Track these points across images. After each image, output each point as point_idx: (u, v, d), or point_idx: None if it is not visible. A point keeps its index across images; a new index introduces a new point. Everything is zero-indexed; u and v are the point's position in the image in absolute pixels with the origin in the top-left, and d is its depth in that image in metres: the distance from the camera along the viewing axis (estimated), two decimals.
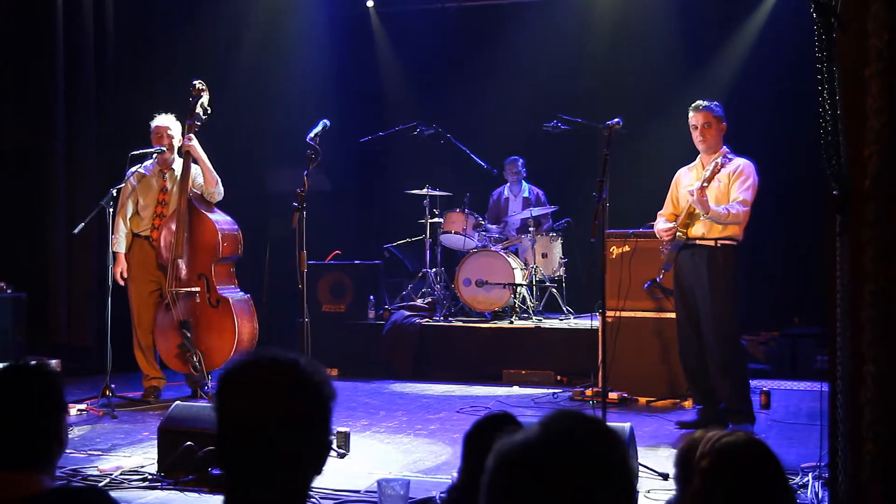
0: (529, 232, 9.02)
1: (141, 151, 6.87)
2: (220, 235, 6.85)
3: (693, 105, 6.09)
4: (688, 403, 6.75)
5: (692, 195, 5.84)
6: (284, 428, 1.72)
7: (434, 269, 9.18)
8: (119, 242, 6.90)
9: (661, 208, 6.34)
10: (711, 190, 5.90)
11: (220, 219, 6.96)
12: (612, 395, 6.79)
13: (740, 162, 5.98)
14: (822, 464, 4.40)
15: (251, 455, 1.72)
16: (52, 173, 8.23)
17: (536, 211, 9.16)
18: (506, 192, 9.76)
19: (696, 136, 6.07)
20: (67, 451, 5.17)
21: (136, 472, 4.82)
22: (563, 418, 1.44)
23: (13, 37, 8.16)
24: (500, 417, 2.17)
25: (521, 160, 9.65)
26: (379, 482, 4.01)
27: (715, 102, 6.10)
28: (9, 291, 7.50)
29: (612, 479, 1.38)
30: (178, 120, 7.02)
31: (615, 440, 1.44)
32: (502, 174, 9.73)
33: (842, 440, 3.17)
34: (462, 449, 2.13)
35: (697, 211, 5.91)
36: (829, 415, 3.31)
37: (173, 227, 6.82)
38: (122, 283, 6.90)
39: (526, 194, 9.61)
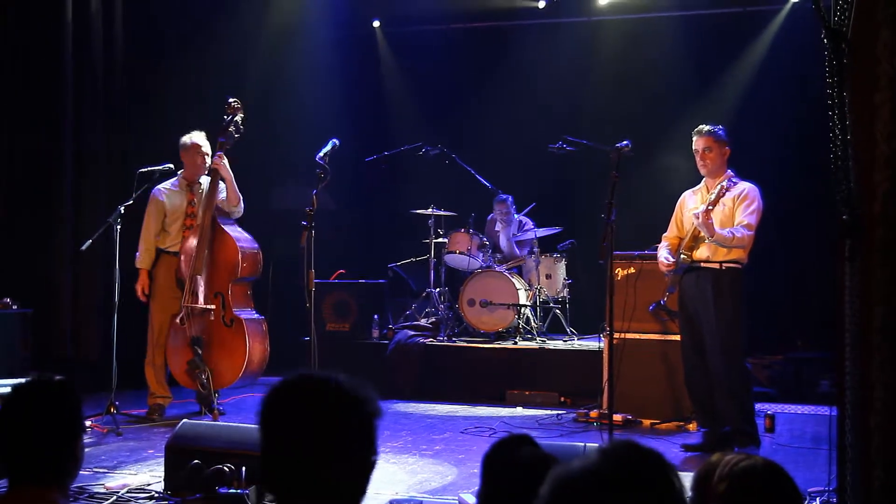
0: (534, 253, 9.04)
1: (149, 169, 6.88)
2: (240, 255, 6.83)
3: (695, 129, 6.13)
4: (692, 426, 6.74)
5: (697, 218, 5.85)
6: (326, 445, 1.74)
7: (438, 289, 9.19)
8: (142, 259, 6.89)
9: (665, 231, 6.36)
10: (716, 213, 5.91)
11: (241, 237, 6.94)
12: (617, 417, 6.75)
13: (745, 186, 6.00)
14: (830, 488, 4.38)
15: (296, 474, 1.73)
16: (59, 189, 8.25)
17: (541, 232, 9.18)
18: (497, 226, 9.73)
19: (698, 161, 6.11)
20: None
21: (142, 489, 4.81)
22: (622, 447, 1.46)
23: (21, 52, 8.20)
24: (519, 439, 2.17)
25: (510, 198, 9.57)
26: (391, 503, 4.00)
27: (718, 126, 6.12)
28: (15, 307, 7.49)
29: None
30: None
31: (672, 471, 1.46)
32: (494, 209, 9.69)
33: (850, 465, 3.17)
34: (481, 469, 2.13)
35: (702, 234, 5.92)
36: (838, 440, 3.31)
37: (195, 241, 6.82)
38: (143, 299, 6.87)
39: (515, 230, 9.60)
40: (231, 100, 6.91)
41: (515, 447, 2.11)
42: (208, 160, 6.95)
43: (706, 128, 6.09)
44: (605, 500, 1.38)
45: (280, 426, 1.77)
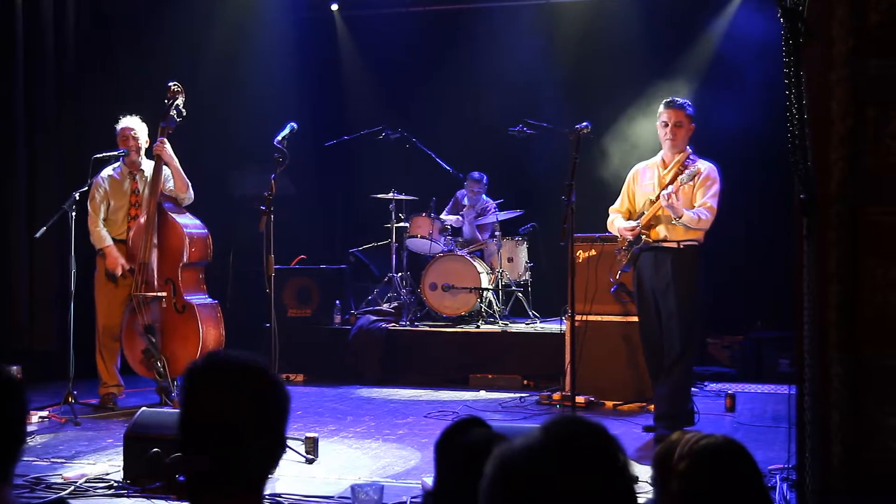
0: (495, 236, 9.03)
1: (104, 154, 6.77)
2: (187, 240, 6.74)
3: (666, 101, 5.90)
4: (654, 407, 6.77)
5: (666, 199, 5.67)
6: (246, 424, 1.77)
7: (400, 274, 9.16)
8: (103, 238, 6.77)
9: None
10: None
11: (188, 222, 6.84)
12: (579, 399, 6.78)
13: (705, 166, 5.84)
14: (790, 466, 4.43)
15: (214, 449, 1.76)
16: (12, 177, 8.09)
17: (502, 216, 9.18)
18: (465, 201, 9.72)
19: (666, 134, 5.87)
20: (30, 459, 5.10)
21: (101, 479, 4.75)
22: (565, 423, 1.44)
23: None
24: (468, 422, 2.16)
25: (485, 177, 9.59)
26: (352, 487, 3.99)
27: (688, 102, 5.95)
28: None
29: (615, 483, 1.38)
30: (142, 121, 6.93)
31: (617, 446, 1.45)
32: (464, 184, 9.67)
33: (809, 442, 3.20)
34: (434, 456, 2.12)
35: (668, 214, 5.77)
36: (797, 417, 3.34)
37: (143, 226, 6.73)
38: (125, 268, 6.74)
39: (479, 211, 9.59)
40: (171, 83, 6.78)
41: (466, 430, 2.10)
42: (141, 143, 6.83)
43: (678, 100, 5.88)
44: (549, 475, 1.37)
45: (201, 400, 1.79)
